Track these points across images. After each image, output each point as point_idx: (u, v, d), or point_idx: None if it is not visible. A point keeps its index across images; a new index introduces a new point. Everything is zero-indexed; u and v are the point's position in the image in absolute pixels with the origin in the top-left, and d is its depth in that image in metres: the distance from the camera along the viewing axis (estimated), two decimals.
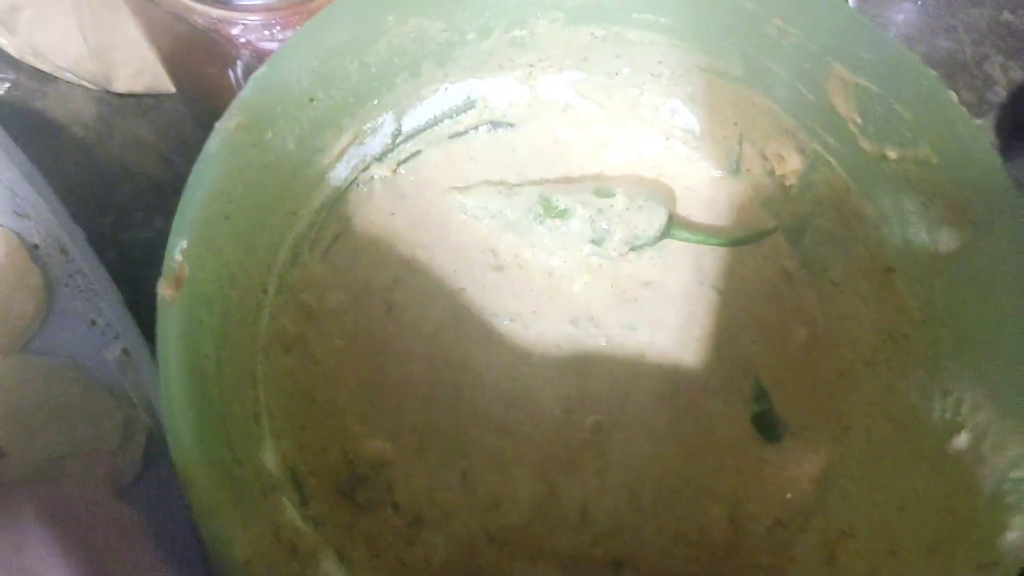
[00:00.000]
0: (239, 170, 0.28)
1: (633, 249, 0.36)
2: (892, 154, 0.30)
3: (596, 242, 0.36)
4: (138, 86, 0.40)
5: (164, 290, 0.25)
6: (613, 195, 0.35)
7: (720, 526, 0.33)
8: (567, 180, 0.38)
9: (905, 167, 0.30)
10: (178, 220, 0.25)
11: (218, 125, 0.26)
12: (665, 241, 0.36)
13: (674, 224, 0.36)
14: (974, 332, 0.27)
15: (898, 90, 0.28)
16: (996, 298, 0.27)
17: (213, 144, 0.26)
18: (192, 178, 0.26)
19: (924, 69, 0.27)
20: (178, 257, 0.25)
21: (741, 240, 0.37)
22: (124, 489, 0.32)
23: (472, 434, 0.34)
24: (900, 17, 0.44)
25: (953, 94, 0.27)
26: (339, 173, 0.34)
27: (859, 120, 0.30)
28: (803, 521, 0.33)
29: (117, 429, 0.32)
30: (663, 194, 0.37)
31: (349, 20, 0.29)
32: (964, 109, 0.27)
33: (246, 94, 0.26)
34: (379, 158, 0.36)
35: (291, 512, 0.31)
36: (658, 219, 0.35)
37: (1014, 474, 0.26)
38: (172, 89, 0.39)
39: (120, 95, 0.41)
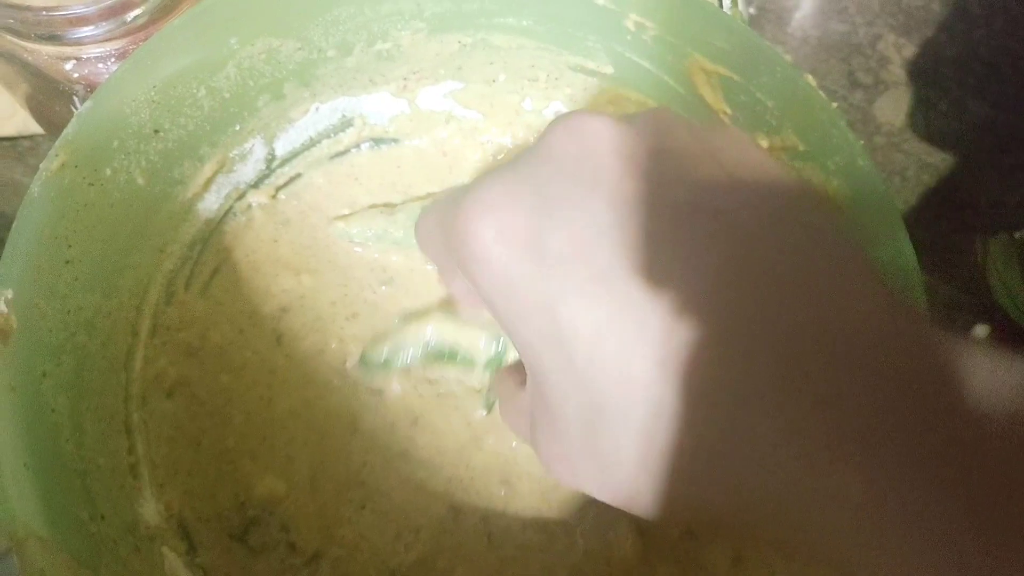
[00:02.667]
0: (75, 212, 0.26)
1: None
2: (764, 143, 0.29)
3: None
4: (9, 129, 0.39)
5: None
6: None
7: (629, 539, 0.32)
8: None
9: (778, 156, 0.29)
10: (1, 270, 0.24)
11: (41, 166, 0.25)
12: None
13: None
14: None
15: (757, 77, 0.27)
16: None
17: (36, 187, 0.25)
18: (16, 224, 0.25)
19: (777, 55, 0.26)
20: (2, 308, 0.24)
21: None
22: None
23: (370, 461, 0.33)
24: (791, 2, 0.43)
25: (810, 77, 0.26)
26: (209, 204, 0.33)
27: (728, 110, 0.29)
28: (714, 529, 0.32)
29: None
30: None
31: (185, 47, 0.27)
32: (822, 93, 0.26)
33: (70, 132, 0.25)
34: (255, 185, 0.35)
35: (173, 562, 0.30)
36: None
37: None
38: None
39: None
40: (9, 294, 0.24)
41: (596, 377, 0.18)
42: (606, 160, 0.19)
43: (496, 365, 0.32)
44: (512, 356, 0.32)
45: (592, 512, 0.32)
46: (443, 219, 0.21)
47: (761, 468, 0.16)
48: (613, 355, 0.17)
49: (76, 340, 0.27)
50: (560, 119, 0.20)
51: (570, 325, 0.18)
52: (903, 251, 0.26)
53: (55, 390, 0.26)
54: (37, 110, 0.33)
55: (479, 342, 0.32)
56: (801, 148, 0.27)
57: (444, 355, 0.33)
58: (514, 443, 0.32)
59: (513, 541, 0.32)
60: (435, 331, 0.32)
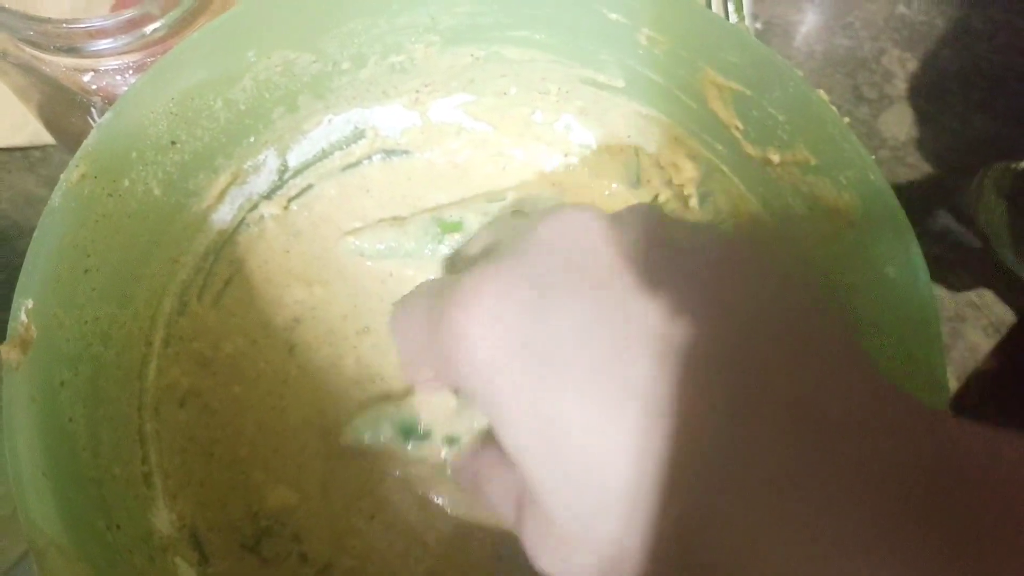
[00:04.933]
0: (95, 222, 0.26)
1: None
2: (775, 158, 0.29)
3: None
4: (19, 139, 0.39)
5: (7, 354, 0.23)
6: (503, 198, 0.34)
7: None
8: (463, 201, 0.37)
9: (789, 170, 0.29)
10: (23, 280, 0.24)
11: (61, 177, 0.25)
12: None
13: None
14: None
15: (768, 92, 0.28)
16: (880, 304, 0.26)
17: (57, 197, 0.25)
18: (37, 234, 0.25)
19: (789, 69, 0.27)
20: (23, 318, 0.24)
21: None
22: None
23: (380, 469, 0.33)
24: (797, 17, 0.44)
25: (822, 92, 0.27)
26: (223, 215, 0.33)
27: (740, 125, 0.30)
28: None
29: None
30: (553, 193, 0.36)
31: (203, 59, 0.28)
32: (833, 108, 0.26)
33: (90, 143, 0.25)
34: (267, 196, 0.35)
35: (186, 573, 0.30)
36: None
37: None
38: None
39: (3, 149, 0.40)
40: (30, 303, 0.24)
41: (592, 474, 0.17)
42: (598, 250, 0.19)
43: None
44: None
45: None
46: (429, 313, 0.20)
47: None
48: (609, 450, 0.17)
49: (92, 350, 0.28)
50: (548, 214, 0.20)
51: (563, 422, 0.17)
52: (915, 266, 0.26)
53: (72, 400, 0.26)
54: (50, 121, 0.34)
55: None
56: (813, 162, 0.28)
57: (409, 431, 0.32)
58: None
59: (523, 563, 0.32)
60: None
